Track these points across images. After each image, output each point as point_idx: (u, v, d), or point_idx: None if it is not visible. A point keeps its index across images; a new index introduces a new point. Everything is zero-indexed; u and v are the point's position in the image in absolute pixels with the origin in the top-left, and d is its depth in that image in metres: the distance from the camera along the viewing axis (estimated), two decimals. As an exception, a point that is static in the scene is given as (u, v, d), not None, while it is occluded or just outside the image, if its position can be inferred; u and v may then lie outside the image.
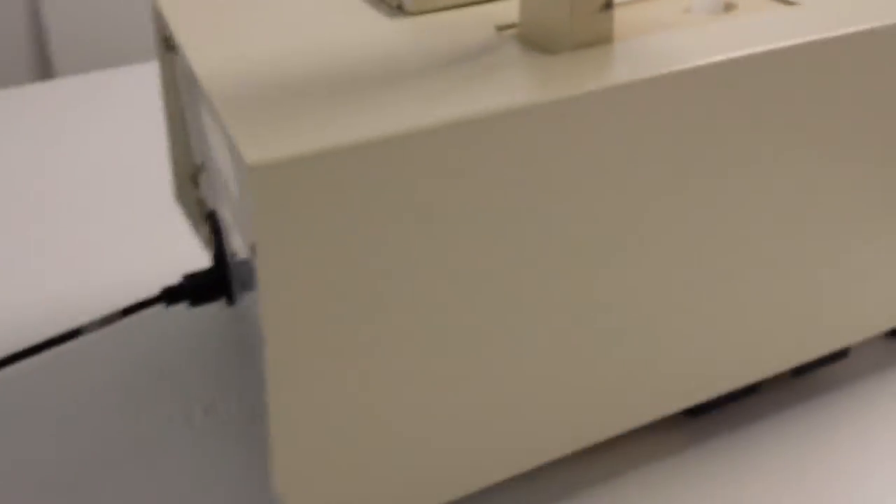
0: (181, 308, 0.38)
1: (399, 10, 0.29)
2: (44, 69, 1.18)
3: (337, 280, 0.21)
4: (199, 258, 0.42)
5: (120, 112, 0.59)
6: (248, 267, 0.26)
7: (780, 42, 0.25)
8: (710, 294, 0.26)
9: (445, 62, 0.25)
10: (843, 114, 0.26)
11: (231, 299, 0.33)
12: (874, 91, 0.27)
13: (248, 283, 0.27)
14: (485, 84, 0.23)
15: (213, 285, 0.32)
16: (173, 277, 0.40)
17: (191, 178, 0.36)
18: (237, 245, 0.28)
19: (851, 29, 0.25)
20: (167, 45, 0.33)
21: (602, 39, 0.25)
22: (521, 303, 0.24)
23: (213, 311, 0.38)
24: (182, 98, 0.34)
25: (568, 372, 0.25)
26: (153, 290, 0.39)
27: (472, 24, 0.28)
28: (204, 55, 0.26)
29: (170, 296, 0.32)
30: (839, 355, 0.31)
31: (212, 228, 0.32)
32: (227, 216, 0.29)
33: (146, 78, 0.64)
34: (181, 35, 0.28)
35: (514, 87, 0.22)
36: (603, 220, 0.24)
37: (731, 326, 0.27)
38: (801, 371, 0.30)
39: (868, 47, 0.26)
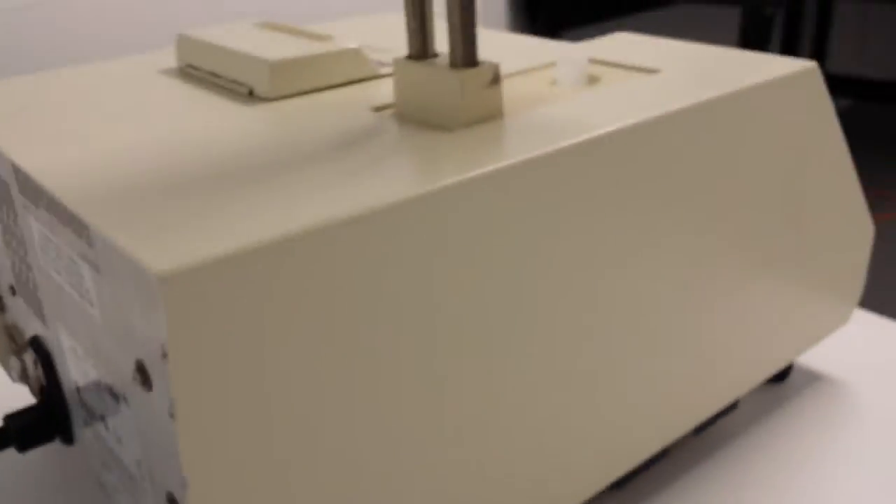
0: (7, 455, 0.33)
1: (251, 96, 0.27)
2: None
3: (257, 389, 0.19)
4: (13, 394, 0.36)
5: None
6: (103, 393, 0.23)
7: (658, 110, 0.25)
8: (619, 368, 0.26)
9: (335, 147, 0.23)
10: (718, 174, 0.27)
11: (69, 437, 0.28)
12: (747, 150, 0.27)
13: (105, 412, 0.23)
14: (394, 168, 0.21)
15: (44, 423, 0.28)
16: (-16, 422, 0.35)
17: (-3, 303, 0.32)
18: (82, 371, 0.24)
19: (719, 92, 0.26)
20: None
21: (493, 114, 0.25)
22: (434, 398, 0.22)
23: (45, 453, 0.33)
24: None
25: (485, 469, 0.24)
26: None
27: (342, 107, 0.26)
28: (46, 160, 0.23)
29: (-7, 444, 0.28)
30: (731, 407, 0.32)
31: (38, 356, 0.28)
32: (63, 340, 0.25)
33: None
34: (4, 141, 0.25)
35: (428, 169, 0.21)
36: (504, 302, 0.22)
37: (643, 396, 0.27)
38: (701, 428, 0.31)
39: (733, 109, 0.27)
